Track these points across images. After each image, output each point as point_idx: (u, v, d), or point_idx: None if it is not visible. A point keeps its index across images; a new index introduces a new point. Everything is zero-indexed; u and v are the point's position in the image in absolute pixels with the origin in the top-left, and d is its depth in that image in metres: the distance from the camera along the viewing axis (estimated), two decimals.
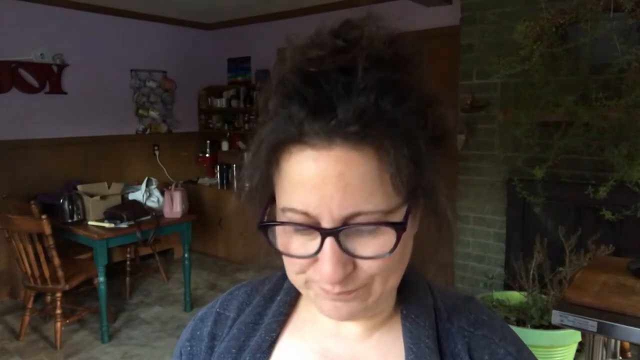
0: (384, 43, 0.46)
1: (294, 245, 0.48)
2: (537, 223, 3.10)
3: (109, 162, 4.72)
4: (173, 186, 3.74)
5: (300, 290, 0.52)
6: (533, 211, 2.95)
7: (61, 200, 3.39)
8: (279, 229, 0.49)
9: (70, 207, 3.38)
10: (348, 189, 0.44)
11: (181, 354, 0.64)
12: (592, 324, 1.60)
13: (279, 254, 0.50)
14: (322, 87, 0.44)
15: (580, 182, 2.93)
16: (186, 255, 3.73)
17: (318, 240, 0.45)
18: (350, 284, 0.47)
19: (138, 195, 3.79)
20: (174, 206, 3.65)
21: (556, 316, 1.66)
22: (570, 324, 1.64)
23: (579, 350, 2.56)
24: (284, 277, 0.60)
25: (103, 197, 3.57)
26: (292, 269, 0.50)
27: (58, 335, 3.17)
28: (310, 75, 0.45)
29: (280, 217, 0.48)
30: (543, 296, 2.61)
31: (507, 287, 2.98)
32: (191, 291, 3.86)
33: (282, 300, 0.61)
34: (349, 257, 0.46)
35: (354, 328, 0.56)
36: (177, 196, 3.65)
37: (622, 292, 1.72)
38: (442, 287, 0.60)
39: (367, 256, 0.46)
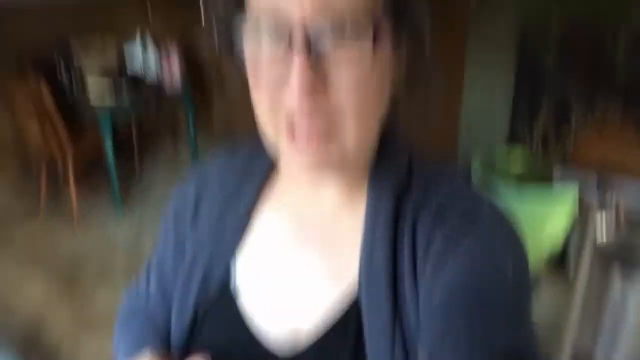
0: None
1: (262, 55, 0.45)
2: (547, 81, 3.01)
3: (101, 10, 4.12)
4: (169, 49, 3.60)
5: (271, 135, 0.50)
6: (544, 69, 2.84)
7: (58, 74, 3.36)
8: (247, 39, 0.46)
9: (69, 78, 3.38)
10: None
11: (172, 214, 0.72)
12: (592, 179, 1.63)
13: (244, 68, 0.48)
14: None
15: (598, 40, 2.77)
16: (191, 127, 3.79)
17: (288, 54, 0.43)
18: (319, 101, 0.44)
19: (136, 51, 3.72)
20: (172, 74, 3.60)
21: (558, 172, 1.68)
22: (571, 180, 1.66)
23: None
24: (263, 150, 0.57)
25: (103, 74, 3.45)
26: (261, 90, 0.47)
27: (74, 207, 3.24)
28: None
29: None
30: (546, 155, 2.61)
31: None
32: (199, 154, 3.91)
33: (261, 168, 0.62)
34: (318, 57, 0.43)
35: (330, 192, 0.55)
36: (175, 61, 3.58)
37: (625, 152, 1.72)
38: (429, 161, 0.57)
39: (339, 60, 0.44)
